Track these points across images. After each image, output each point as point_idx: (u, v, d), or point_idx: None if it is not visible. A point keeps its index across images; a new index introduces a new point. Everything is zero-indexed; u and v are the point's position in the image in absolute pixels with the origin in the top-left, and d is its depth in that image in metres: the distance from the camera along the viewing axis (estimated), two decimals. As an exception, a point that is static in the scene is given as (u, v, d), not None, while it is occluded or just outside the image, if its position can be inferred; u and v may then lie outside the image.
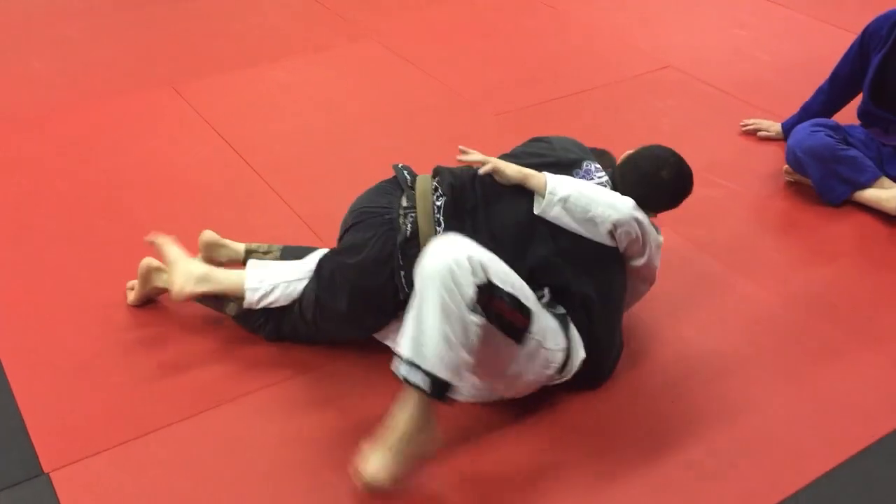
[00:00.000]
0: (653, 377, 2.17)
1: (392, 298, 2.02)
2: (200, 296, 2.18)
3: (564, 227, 1.99)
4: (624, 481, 1.90)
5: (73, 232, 2.68)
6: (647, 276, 2.15)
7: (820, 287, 2.51)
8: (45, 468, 1.88)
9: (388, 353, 2.10)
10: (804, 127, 2.87)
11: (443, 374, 1.72)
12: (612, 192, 2.03)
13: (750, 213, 2.84)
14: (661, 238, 2.11)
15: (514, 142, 3.22)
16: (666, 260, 2.22)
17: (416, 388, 1.73)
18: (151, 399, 2.07)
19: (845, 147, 2.80)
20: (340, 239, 2.12)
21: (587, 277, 2.01)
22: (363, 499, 1.83)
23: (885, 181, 2.79)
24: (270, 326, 2.19)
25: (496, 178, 2.04)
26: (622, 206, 1.98)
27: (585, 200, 1.97)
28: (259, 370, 2.15)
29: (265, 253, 2.34)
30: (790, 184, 2.96)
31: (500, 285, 1.79)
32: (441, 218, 2.02)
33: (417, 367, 1.73)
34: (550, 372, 1.96)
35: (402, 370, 1.74)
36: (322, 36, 4.06)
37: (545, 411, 2.05)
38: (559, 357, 1.95)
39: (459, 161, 2.09)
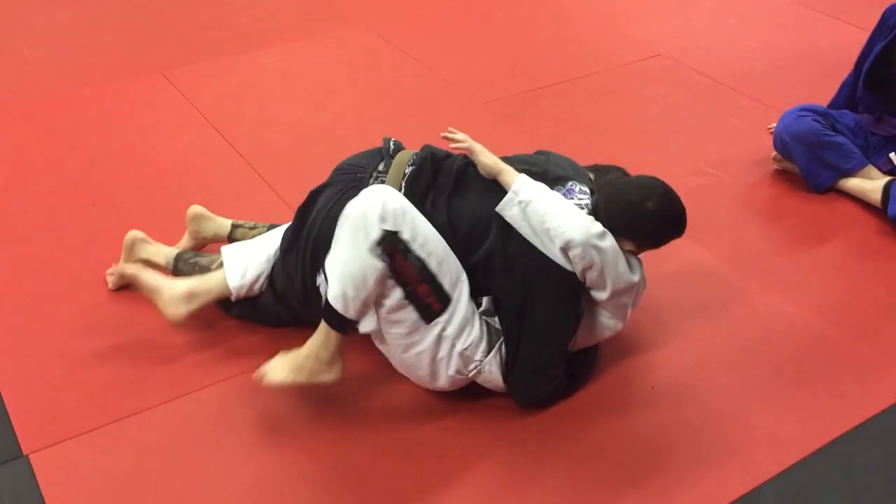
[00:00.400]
0: (632, 365, 2.17)
1: None
2: (196, 311, 2.13)
3: (521, 231, 1.92)
4: (601, 467, 1.90)
5: (59, 217, 2.68)
6: (613, 312, 2.02)
7: (805, 276, 2.50)
8: (25, 450, 1.89)
9: (361, 339, 2.11)
10: (791, 112, 2.86)
11: (339, 305, 1.85)
12: (584, 214, 1.92)
13: (737, 202, 2.83)
14: (635, 278, 1.97)
15: (503, 129, 3.23)
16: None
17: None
18: (130, 383, 2.08)
19: (832, 133, 2.80)
20: (311, 196, 2.10)
21: (529, 291, 1.92)
22: (337, 482, 1.84)
23: (872, 170, 2.79)
24: (243, 305, 2.17)
25: (473, 161, 2.03)
26: (583, 228, 1.87)
27: (545, 210, 1.89)
28: (236, 356, 2.16)
29: (251, 229, 2.35)
30: (778, 172, 2.96)
31: (414, 247, 1.82)
32: (403, 184, 2.02)
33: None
34: (461, 377, 1.94)
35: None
36: (314, 23, 4.05)
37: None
38: (471, 367, 1.93)
39: (444, 138, 2.07)
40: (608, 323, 2.04)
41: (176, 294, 2.11)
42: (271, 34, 3.93)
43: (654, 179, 2.02)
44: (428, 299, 1.85)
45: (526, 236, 1.92)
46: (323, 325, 1.91)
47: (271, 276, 2.13)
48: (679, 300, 2.38)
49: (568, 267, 1.90)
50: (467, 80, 3.55)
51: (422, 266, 1.83)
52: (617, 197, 1.97)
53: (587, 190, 2.03)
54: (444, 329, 1.88)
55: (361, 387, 2.08)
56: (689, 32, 4.01)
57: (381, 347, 2.03)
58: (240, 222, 2.39)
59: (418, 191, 1.99)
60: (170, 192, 2.81)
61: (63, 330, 2.23)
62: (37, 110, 3.28)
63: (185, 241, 2.40)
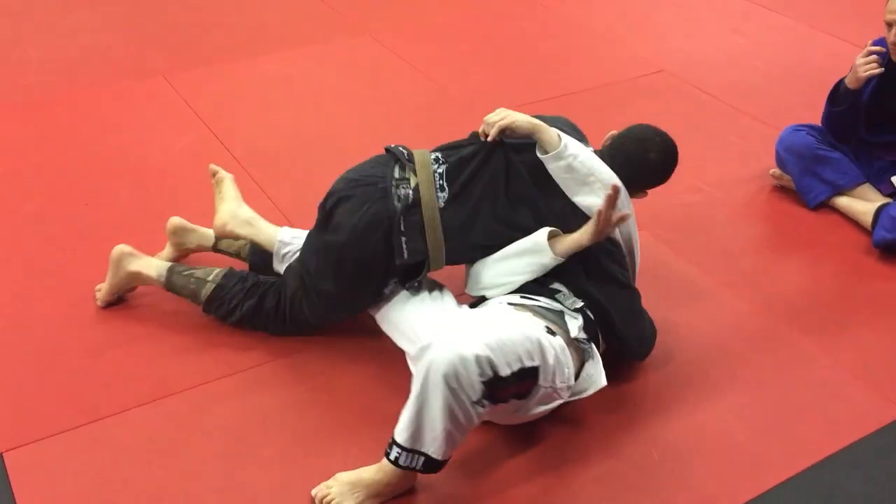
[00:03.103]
0: (615, 379, 2.14)
1: (383, 263, 2.01)
2: (238, 237, 2.27)
3: (560, 183, 2.00)
4: (578, 486, 1.88)
5: (52, 215, 2.69)
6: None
7: (794, 295, 2.48)
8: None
9: (346, 349, 2.13)
10: (788, 127, 2.86)
11: (439, 456, 1.72)
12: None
13: (730, 219, 2.81)
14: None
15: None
16: (640, 262, 2.21)
17: (408, 468, 1.73)
18: (110, 384, 2.07)
19: (827, 148, 2.76)
20: (328, 210, 2.06)
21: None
22: (313, 486, 1.82)
23: (869, 190, 2.74)
24: (248, 305, 2.14)
25: (508, 133, 2.03)
26: (617, 181, 2.01)
27: (591, 164, 2.00)
28: (216, 361, 2.15)
29: (236, 239, 2.34)
30: (775, 189, 2.94)
31: (507, 370, 1.69)
32: (445, 184, 2.03)
33: (413, 450, 1.72)
34: (555, 404, 1.88)
35: (393, 454, 1.73)
36: (317, 30, 4.06)
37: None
38: (565, 394, 1.87)
39: (483, 134, 2.07)
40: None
41: (238, 214, 2.29)
42: (274, 40, 3.94)
43: (645, 127, 2.14)
44: (526, 385, 1.77)
45: (564, 188, 2.01)
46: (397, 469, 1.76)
47: (281, 293, 2.15)
48: (667, 316, 2.35)
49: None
50: (468, 90, 3.55)
51: (517, 375, 1.71)
52: (618, 151, 2.09)
53: (588, 148, 2.12)
54: (541, 385, 1.80)
55: (341, 395, 2.07)
56: (695, 49, 4.00)
57: None
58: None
59: (460, 181, 2.04)
60: (164, 194, 2.82)
61: (46, 327, 2.23)
62: (38, 109, 3.30)
63: (167, 253, 2.38)
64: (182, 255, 2.39)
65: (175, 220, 2.36)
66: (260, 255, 2.29)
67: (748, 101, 3.53)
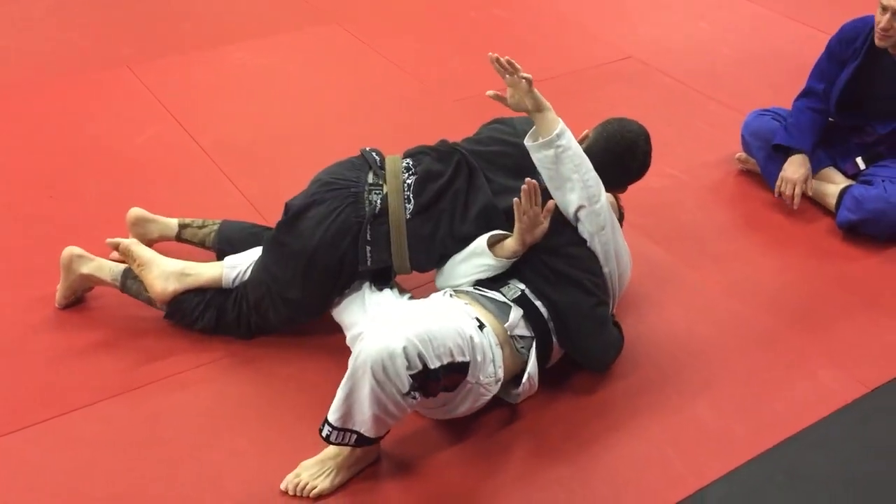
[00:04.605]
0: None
1: (349, 268, 2.02)
2: (183, 293, 2.10)
3: (542, 174, 1.99)
4: (547, 470, 1.89)
5: (15, 207, 2.65)
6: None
7: (761, 277, 2.51)
8: (-34, 443, 1.87)
9: (314, 340, 2.13)
10: (754, 112, 2.88)
11: (371, 434, 1.75)
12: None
13: (698, 203, 2.84)
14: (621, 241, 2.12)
15: (471, 128, 3.22)
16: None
17: (340, 444, 1.77)
18: (76, 378, 2.05)
19: None
20: (297, 211, 2.05)
21: (544, 247, 1.99)
22: (285, 475, 1.82)
23: (833, 173, 2.78)
24: (209, 316, 2.12)
25: (511, 93, 2.02)
26: (603, 192, 2.01)
27: (580, 162, 1.97)
28: (187, 352, 2.14)
29: (200, 227, 2.32)
30: (741, 173, 2.97)
31: (437, 362, 1.70)
32: (411, 195, 2.04)
33: (343, 428, 1.75)
34: (484, 401, 1.88)
35: (325, 431, 1.77)
36: (285, 19, 4.03)
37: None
38: (493, 388, 1.88)
39: (501, 66, 2.03)
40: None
41: (168, 271, 2.10)
42: (241, 29, 3.90)
43: (620, 137, 2.12)
44: (455, 379, 1.78)
45: (546, 180, 1.99)
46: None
47: (246, 297, 2.12)
48: (634, 299, 2.38)
49: (574, 223, 2.01)
50: (437, 78, 3.55)
51: (447, 368, 1.72)
52: (602, 152, 2.09)
53: None
54: (469, 380, 1.82)
55: (308, 385, 2.06)
56: (661, 36, 4.02)
57: None
58: (187, 221, 2.35)
59: (427, 195, 2.04)
60: (129, 184, 2.79)
61: (8, 322, 2.20)
62: (1, 99, 3.25)
63: None
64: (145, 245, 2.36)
65: (135, 211, 2.33)
66: (227, 243, 2.27)
67: (715, 86, 3.56)
